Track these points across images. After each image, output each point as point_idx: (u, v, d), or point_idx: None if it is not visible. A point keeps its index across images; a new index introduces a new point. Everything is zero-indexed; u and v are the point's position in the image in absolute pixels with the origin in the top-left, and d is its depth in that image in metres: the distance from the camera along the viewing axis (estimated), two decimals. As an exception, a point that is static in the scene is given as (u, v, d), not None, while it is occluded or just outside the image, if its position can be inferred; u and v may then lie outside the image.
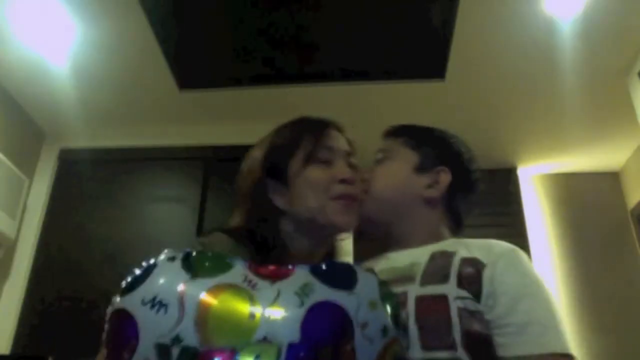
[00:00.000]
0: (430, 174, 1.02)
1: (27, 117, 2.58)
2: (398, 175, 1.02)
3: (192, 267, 0.64)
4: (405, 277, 0.89)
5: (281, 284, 0.63)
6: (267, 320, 0.59)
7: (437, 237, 0.99)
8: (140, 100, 2.52)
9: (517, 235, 2.65)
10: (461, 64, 2.26)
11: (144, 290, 0.62)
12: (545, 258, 2.74)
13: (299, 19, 2.09)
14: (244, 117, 2.59)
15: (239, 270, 0.65)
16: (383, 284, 0.71)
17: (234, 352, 0.57)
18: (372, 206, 0.98)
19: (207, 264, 0.65)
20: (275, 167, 0.89)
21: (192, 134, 2.62)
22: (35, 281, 2.38)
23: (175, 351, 0.57)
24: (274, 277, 0.64)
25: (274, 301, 0.60)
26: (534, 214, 2.85)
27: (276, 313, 0.59)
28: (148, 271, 0.65)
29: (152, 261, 0.67)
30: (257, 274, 0.65)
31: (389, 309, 0.68)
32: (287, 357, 0.57)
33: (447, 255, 0.90)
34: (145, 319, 0.59)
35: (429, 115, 2.58)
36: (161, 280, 0.63)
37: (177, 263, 0.65)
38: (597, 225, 2.82)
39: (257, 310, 0.59)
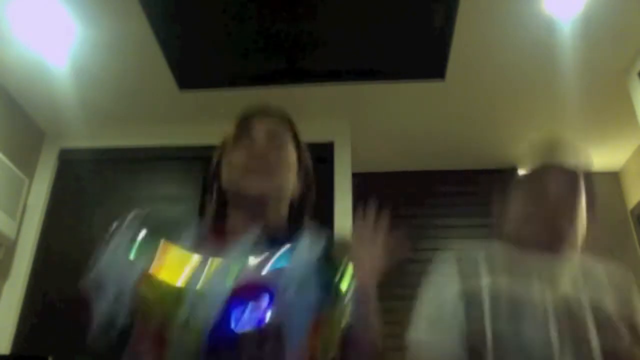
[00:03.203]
0: None
1: (27, 117, 2.57)
2: None
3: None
4: None
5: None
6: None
7: None
8: (140, 100, 2.52)
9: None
10: (461, 64, 2.26)
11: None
12: (545, 258, 2.74)
13: (299, 19, 2.08)
14: (244, 117, 2.58)
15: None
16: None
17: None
18: None
19: None
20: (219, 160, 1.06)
21: (192, 134, 2.61)
22: (35, 281, 2.38)
23: None
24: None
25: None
26: (534, 214, 2.84)
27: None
28: None
29: None
30: None
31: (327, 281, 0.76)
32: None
33: None
34: None
35: (429, 115, 2.60)
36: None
37: None
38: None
39: None
